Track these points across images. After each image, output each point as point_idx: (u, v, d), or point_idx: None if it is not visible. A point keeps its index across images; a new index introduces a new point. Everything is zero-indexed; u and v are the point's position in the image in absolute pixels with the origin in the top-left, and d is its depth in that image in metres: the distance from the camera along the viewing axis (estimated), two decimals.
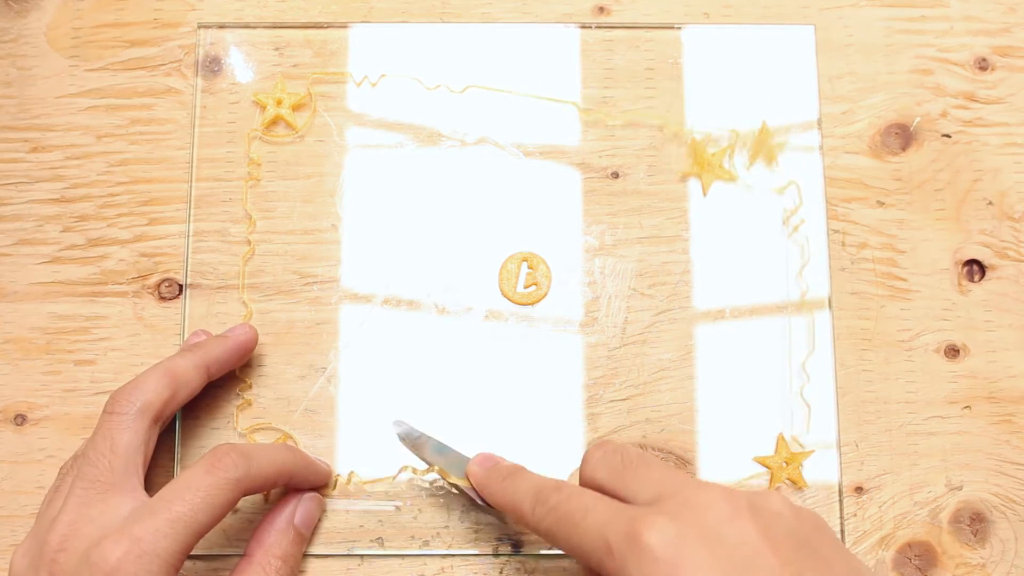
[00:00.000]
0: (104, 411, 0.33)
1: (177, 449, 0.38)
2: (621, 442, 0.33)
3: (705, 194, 0.40)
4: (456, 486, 0.37)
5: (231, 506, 0.32)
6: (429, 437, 0.38)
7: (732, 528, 0.26)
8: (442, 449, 0.37)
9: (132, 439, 0.32)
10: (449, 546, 0.37)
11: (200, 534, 0.31)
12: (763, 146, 0.40)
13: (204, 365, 0.35)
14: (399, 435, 0.38)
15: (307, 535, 0.36)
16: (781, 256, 0.40)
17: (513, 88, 0.41)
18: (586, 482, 0.31)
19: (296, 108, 0.41)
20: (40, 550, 0.30)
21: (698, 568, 0.25)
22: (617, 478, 0.30)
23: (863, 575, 0.28)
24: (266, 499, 0.38)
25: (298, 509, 0.36)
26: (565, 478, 0.38)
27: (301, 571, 0.37)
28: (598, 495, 0.29)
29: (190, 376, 0.35)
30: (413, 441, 0.38)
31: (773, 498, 0.28)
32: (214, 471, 0.31)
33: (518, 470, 0.34)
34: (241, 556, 0.34)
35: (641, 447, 0.38)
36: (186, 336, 0.39)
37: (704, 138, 0.41)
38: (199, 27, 0.41)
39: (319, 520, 0.37)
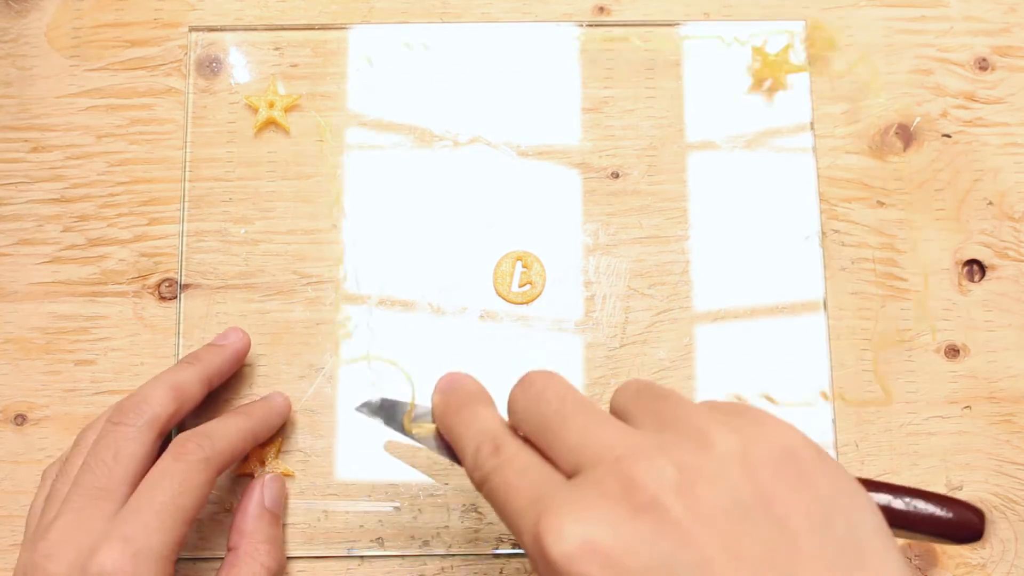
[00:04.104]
0: (109, 421, 0.33)
1: None
2: (651, 382, 0.27)
3: (786, 89, 0.41)
4: (435, 440, 0.33)
5: (210, 486, 0.32)
6: (396, 401, 0.35)
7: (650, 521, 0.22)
8: (407, 408, 0.35)
9: (137, 450, 0.32)
10: (449, 546, 0.37)
11: (188, 521, 0.31)
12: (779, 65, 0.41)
13: (206, 378, 0.36)
14: (369, 412, 0.35)
15: (280, 515, 0.37)
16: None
17: (513, 90, 0.41)
18: (612, 407, 0.27)
19: (288, 110, 0.41)
20: (30, 557, 0.30)
21: None
22: (624, 410, 0.26)
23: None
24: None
25: (265, 492, 0.36)
26: None
27: (301, 570, 0.37)
28: (538, 464, 0.25)
29: (194, 390, 0.35)
30: (386, 411, 0.35)
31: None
32: (182, 457, 0.32)
33: (473, 400, 0.29)
34: (226, 551, 0.35)
35: None
36: (183, 338, 0.39)
37: (763, 43, 0.41)
38: (190, 30, 0.41)
39: (286, 498, 0.38)
